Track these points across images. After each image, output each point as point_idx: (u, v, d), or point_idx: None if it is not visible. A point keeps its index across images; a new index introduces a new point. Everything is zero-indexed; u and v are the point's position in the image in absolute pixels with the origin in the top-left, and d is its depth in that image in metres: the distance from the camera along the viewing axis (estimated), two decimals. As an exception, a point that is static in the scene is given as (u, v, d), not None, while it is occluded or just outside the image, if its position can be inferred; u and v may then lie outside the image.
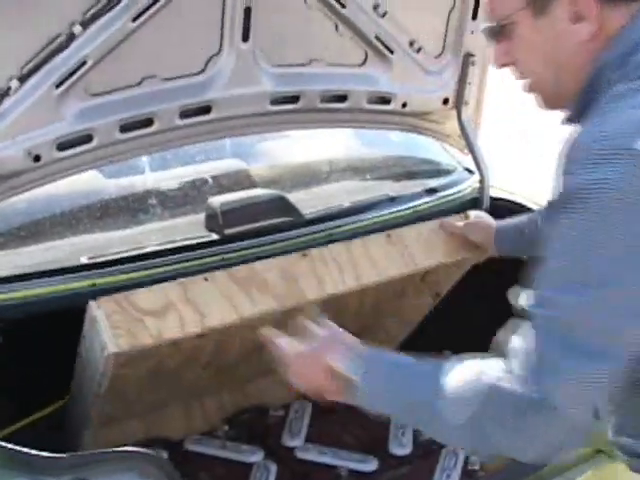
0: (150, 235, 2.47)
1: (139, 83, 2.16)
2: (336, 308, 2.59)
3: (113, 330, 1.98)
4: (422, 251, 2.39)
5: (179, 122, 2.26)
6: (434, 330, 2.89)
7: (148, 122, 2.21)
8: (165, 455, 2.57)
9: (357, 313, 2.72)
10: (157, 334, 2.04)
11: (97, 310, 2.00)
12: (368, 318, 2.82)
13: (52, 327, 2.21)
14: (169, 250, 2.34)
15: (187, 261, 2.28)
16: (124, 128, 2.17)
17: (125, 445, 2.58)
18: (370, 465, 2.55)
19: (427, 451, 2.61)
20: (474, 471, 2.51)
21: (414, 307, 2.79)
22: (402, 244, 2.39)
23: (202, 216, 2.51)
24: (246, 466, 2.55)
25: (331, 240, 2.43)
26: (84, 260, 2.29)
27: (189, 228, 2.51)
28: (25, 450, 1.68)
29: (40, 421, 2.58)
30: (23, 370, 2.39)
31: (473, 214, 2.51)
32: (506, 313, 2.90)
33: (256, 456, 2.59)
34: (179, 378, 2.57)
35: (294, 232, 2.48)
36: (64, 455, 1.71)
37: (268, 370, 2.88)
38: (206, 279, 2.15)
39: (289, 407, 2.82)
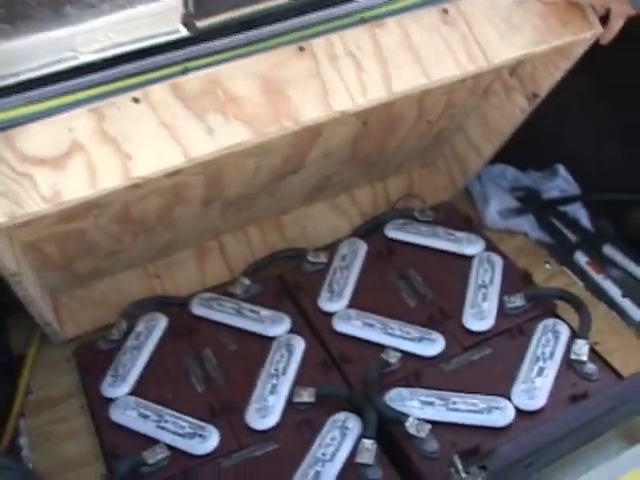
0: (72, 39, 1.56)
1: None
2: (384, 118, 1.72)
3: (-19, 193, 1.22)
4: (499, 36, 1.43)
5: None
6: (532, 143, 1.97)
7: None
8: (165, 322, 1.87)
9: (418, 122, 1.82)
10: (52, 196, 1.25)
11: (-43, 162, 1.22)
12: (437, 127, 1.92)
13: None
14: (105, 62, 1.46)
15: (131, 77, 1.41)
16: None
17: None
18: (433, 346, 1.73)
19: (515, 327, 1.76)
20: (579, 362, 1.65)
21: (503, 112, 1.84)
22: (466, 25, 1.43)
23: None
24: (265, 341, 1.80)
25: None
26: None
27: (140, 23, 1.60)
28: None
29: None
30: None
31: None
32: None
33: (279, 327, 1.82)
34: (174, 220, 1.80)
35: (304, 19, 1.54)
36: None
37: (309, 196, 2.15)
38: (136, 100, 1.31)
39: (335, 250, 2.01)
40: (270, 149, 1.64)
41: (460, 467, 1.32)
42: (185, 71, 1.41)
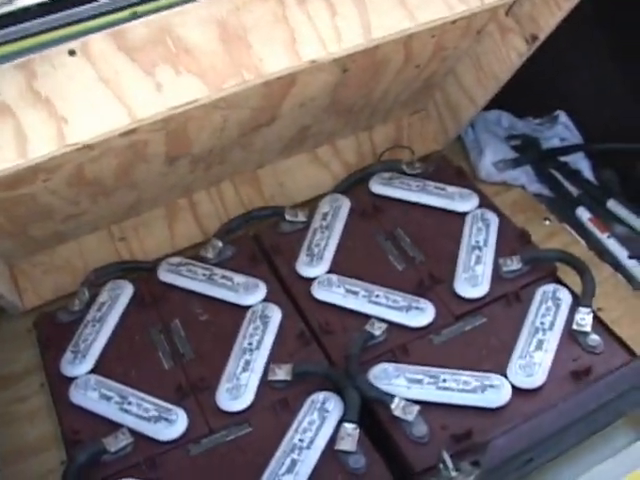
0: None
1: None
2: (367, 65, 1.53)
3: None
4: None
5: None
6: (530, 88, 1.77)
7: None
8: (130, 290, 1.70)
9: (405, 67, 1.63)
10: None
11: None
12: (427, 72, 1.72)
13: None
14: (41, 8, 1.25)
15: (70, 25, 1.21)
16: None
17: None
18: (422, 316, 1.56)
19: (511, 293, 1.59)
20: (582, 334, 1.48)
21: (498, 56, 1.65)
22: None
23: None
24: (238, 310, 1.63)
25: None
26: None
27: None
28: None
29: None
30: None
31: None
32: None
33: (253, 295, 1.64)
34: (136, 180, 1.62)
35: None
36: None
37: (286, 148, 1.86)
38: (72, 52, 1.12)
39: (315, 208, 1.83)
40: (237, 101, 1.45)
41: (450, 464, 1.17)
42: (134, 17, 1.21)
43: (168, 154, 1.56)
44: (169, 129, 1.44)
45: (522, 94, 1.89)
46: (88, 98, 1.10)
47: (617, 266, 1.69)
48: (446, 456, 1.18)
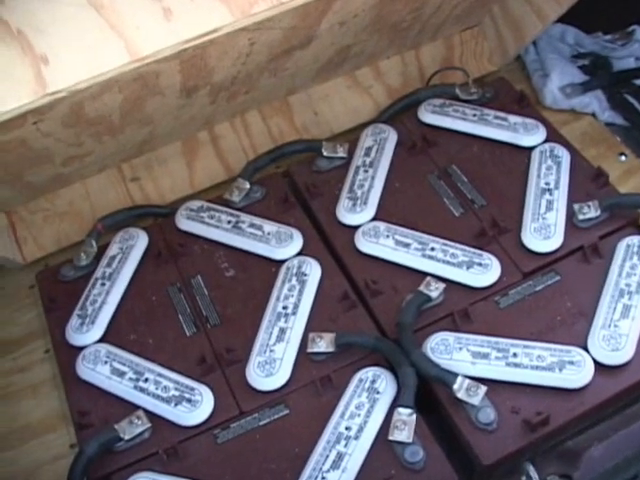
0: None
1: None
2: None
3: None
4: None
5: None
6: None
7: None
8: (145, 241, 1.44)
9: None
10: None
11: None
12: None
13: None
14: None
15: None
16: None
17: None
18: (486, 273, 1.28)
19: (589, 246, 1.29)
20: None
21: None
22: None
23: None
24: (270, 265, 1.37)
25: None
26: None
27: None
28: None
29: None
30: None
31: None
32: None
33: (287, 248, 1.37)
34: (147, 115, 1.34)
35: None
36: None
37: (322, 71, 1.55)
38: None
39: (356, 143, 1.54)
40: (267, 23, 1.15)
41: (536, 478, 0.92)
42: None
43: (184, 85, 1.27)
44: (184, 58, 1.15)
45: (589, 5, 1.57)
46: (73, 29, 0.81)
47: None
48: (531, 469, 0.93)
